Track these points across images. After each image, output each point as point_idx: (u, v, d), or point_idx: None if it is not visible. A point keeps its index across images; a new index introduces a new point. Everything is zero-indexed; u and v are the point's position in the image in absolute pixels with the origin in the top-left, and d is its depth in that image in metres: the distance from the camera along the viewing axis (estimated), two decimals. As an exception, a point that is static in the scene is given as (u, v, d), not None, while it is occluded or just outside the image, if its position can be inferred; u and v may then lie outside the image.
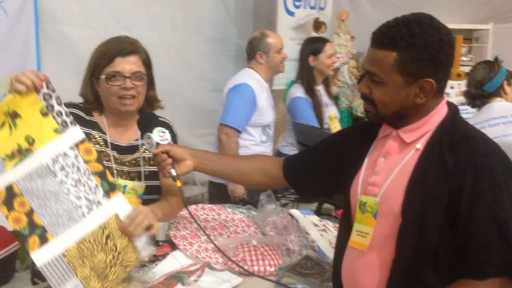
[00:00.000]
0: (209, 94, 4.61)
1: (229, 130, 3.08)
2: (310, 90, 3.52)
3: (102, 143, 1.89)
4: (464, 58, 5.07)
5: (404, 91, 1.39)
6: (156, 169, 1.84)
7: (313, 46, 3.59)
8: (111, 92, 1.82)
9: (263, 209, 2.22)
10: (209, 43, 4.60)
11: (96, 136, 1.88)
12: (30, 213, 1.54)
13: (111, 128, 1.92)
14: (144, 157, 1.94)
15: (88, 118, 1.90)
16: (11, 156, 1.56)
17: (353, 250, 1.53)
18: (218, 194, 3.15)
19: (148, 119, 1.86)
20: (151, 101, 1.97)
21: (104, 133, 1.90)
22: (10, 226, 1.59)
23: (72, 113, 1.85)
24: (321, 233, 2.08)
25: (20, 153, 1.57)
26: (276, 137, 4.19)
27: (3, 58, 3.31)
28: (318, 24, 4.52)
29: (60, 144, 1.60)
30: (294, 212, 2.20)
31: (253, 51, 3.30)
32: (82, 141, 1.63)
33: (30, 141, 1.57)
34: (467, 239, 1.32)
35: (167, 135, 1.76)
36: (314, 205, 2.47)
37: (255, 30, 5.09)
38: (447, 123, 1.42)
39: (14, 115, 1.57)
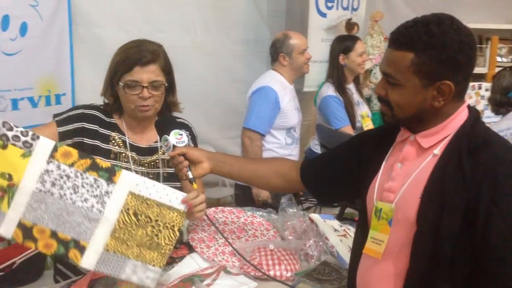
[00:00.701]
0: (242, 96, 4.57)
1: (252, 133, 3.07)
2: (340, 89, 3.48)
3: (122, 144, 1.91)
4: (504, 60, 4.91)
5: (421, 94, 1.34)
6: (175, 171, 1.85)
7: (343, 45, 3.55)
8: (129, 100, 1.84)
9: (283, 213, 2.19)
10: (241, 45, 4.59)
11: (115, 137, 1.90)
12: (54, 235, 1.54)
13: (130, 130, 1.94)
14: (163, 159, 1.95)
15: (108, 120, 1.92)
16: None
17: (368, 257, 1.49)
18: (244, 196, 3.14)
19: (166, 121, 1.86)
20: (170, 106, 1.97)
21: (123, 134, 1.92)
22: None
23: (91, 115, 1.89)
24: (341, 238, 2.04)
25: (6, 192, 1.51)
26: (308, 138, 4.16)
27: (38, 61, 3.40)
28: (350, 25, 4.45)
29: (36, 164, 1.53)
30: (314, 216, 2.16)
31: (276, 53, 3.27)
32: (55, 149, 1.55)
33: (7, 177, 1.51)
34: (484, 250, 1.26)
35: (184, 138, 1.76)
36: (338, 210, 2.42)
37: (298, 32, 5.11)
38: (467, 128, 1.36)
39: None
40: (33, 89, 3.41)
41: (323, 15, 4.55)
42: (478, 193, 1.26)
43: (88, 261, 1.55)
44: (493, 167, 1.26)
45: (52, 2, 3.40)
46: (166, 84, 1.87)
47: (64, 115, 1.89)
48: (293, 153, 3.22)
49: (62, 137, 1.85)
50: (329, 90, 3.50)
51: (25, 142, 1.52)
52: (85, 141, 1.86)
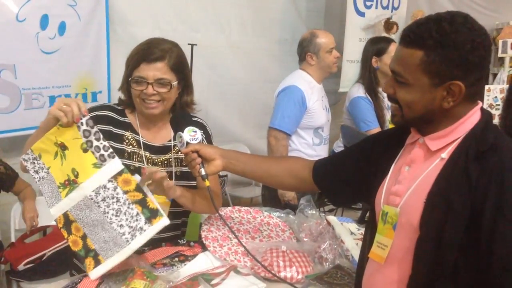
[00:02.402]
0: (275, 95, 4.61)
1: (277, 133, 3.04)
2: (372, 92, 3.41)
3: (135, 144, 1.93)
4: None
5: (430, 94, 1.29)
6: (188, 170, 1.86)
7: (376, 47, 3.47)
8: (135, 95, 1.87)
9: (301, 214, 2.16)
10: (278, 44, 4.59)
11: (129, 137, 1.93)
12: (84, 238, 1.71)
13: (144, 128, 1.96)
14: (176, 158, 1.96)
15: (122, 119, 1.95)
16: (64, 186, 1.71)
17: (373, 262, 1.45)
18: (270, 196, 3.13)
19: (181, 118, 1.87)
20: (183, 106, 1.98)
21: (137, 133, 1.95)
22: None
23: (104, 116, 1.92)
24: (357, 242, 1.99)
25: (69, 184, 1.70)
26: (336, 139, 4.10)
27: (76, 59, 3.51)
28: (389, 25, 4.37)
29: (100, 178, 1.69)
30: (332, 218, 2.12)
31: (303, 52, 3.21)
32: (120, 173, 1.69)
33: (75, 174, 1.70)
34: (489, 260, 1.20)
35: (198, 135, 1.77)
36: (360, 213, 2.37)
37: (326, 31, 5.05)
38: (477, 132, 1.30)
39: (63, 147, 1.69)
40: (71, 87, 3.52)
41: (361, 14, 4.49)
42: (483, 200, 1.20)
43: (95, 274, 1.69)
44: (500, 174, 1.20)
45: (90, 2, 3.51)
46: (174, 83, 1.87)
47: None
48: (321, 153, 3.17)
49: None
50: (359, 91, 3.44)
51: (101, 156, 1.69)
52: None
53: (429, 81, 1.28)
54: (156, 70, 1.83)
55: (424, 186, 1.32)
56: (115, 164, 1.70)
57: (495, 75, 5.10)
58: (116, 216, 1.69)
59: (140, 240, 1.67)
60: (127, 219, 1.69)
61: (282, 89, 3.16)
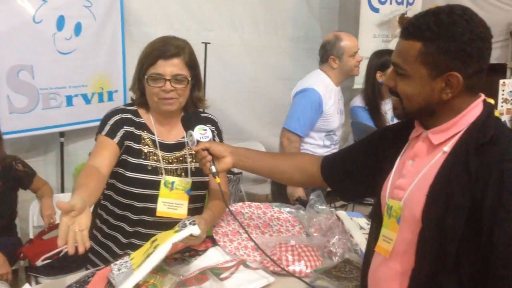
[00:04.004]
0: (290, 93, 4.62)
1: (291, 135, 3.05)
2: (373, 108, 3.34)
3: (151, 144, 1.97)
4: None
5: (428, 85, 1.30)
6: (199, 166, 1.90)
7: (380, 60, 3.33)
8: (152, 92, 1.90)
9: (311, 209, 2.18)
10: (291, 42, 4.61)
11: (145, 137, 1.97)
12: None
13: (159, 126, 2.00)
14: (190, 154, 2.00)
15: (137, 120, 1.98)
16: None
17: (378, 255, 1.47)
18: (278, 192, 3.14)
19: (191, 117, 1.91)
20: (195, 101, 2.02)
21: (152, 133, 1.98)
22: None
23: (127, 119, 1.96)
24: (366, 236, 2.00)
25: (147, 256, 1.66)
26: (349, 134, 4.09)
27: (92, 60, 3.58)
28: (404, 20, 4.33)
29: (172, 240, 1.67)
30: (341, 213, 2.14)
31: (326, 55, 3.16)
32: (187, 237, 1.69)
33: (155, 246, 1.68)
34: (490, 252, 1.20)
35: (208, 133, 1.80)
36: (371, 208, 2.37)
37: (340, 28, 5.03)
38: (478, 125, 1.30)
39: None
40: (87, 87, 3.60)
41: (376, 10, 4.47)
42: (483, 192, 1.20)
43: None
44: (499, 165, 1.20)
45: (105, 3, 3.57)
46: (189, 79, 1.91)
47: (108, 126, 1.93)
48: None
49: (121, 145, 1.92)
50: (357, 101, 3.42)
51: (183, 225, 1.71)
52: (126, 144, 1.94)
53: (427, 72, 1.29)
54: (173, 66, 1.86)
55: (427, 180, 1.33)
56: (190, 229, 1.69)
57: (512, 70, 5.05)
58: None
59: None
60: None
61: (300, 90, 3.13)
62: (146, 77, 1.88)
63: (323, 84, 3.13)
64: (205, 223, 1.78)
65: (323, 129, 3.13)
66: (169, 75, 1.86)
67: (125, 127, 1.94)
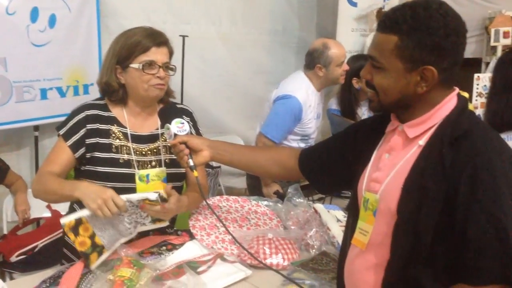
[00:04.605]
0: (269, 87, 4.58)
1: (267, 141, 3.02)
2: (350, 115, 3.31)
3: (122, 137, 1.94)
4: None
5: (404, 78, 1.31)
6: (177, 159, 1.88)
7: (356, 65, 3.23)
8: (144, 80, 1.88)
9: (288, 203, 2.19)
10: (269, 36, 4.60)
11: (115, 131, 1.94)
12: (92, 236, 1.73)
13: (132, 118, 1.98)
14: (164, 146, 1.99)
15: (106, 114, 1.95)
16: None
17: (354, 248, 1.48)
18: (253, 186, 3.14)
19: (168, 110, 1.90)
20: (169, 92, 2.02)
21: (123, 126, 1.96)
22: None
23: (93, 115, 1.93)
24: (343, 229, 2.00)
25: None
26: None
27: (67, 52, 3.50)
28: (381, 14, 4.36)
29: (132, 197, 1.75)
30: (318, 206, 2.15)
31: (313, 62, 3.09)
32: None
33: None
34: (463, 244, 1.22)
35: (186, 126, 1.79)
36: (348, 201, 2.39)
37: (319, 22, 5.05)
38: (452, 118, 1.32)
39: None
40: (62, 79, 3.52)
41: (354, 4, 4.49)
42: (457, 184, 1.22)
43: (95, 264, 1.74)
44: (472, 158, 1.22)
45: (80, -6, 3.49)
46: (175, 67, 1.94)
47: (67, 126, 1.92)
48: None
49: (76, 148, 1.90)
50: (333, 104, 3.43)
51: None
52: (89, 142, 1.91)
53: (403, 66, 1.30)
54: (163, 54, 1.90)
55: (402, 173, 1.33)
56: (150, 194, 1.74)
57: (487, 64, 5.11)
58: (129, 216, 1.80)
59: (140, 229, 1.86)
60: (136, 219, 1.82)
61: (281, 97, 3.06)
62: (136, 65, 1.86)
63: (305, 91, 3.08)
64: (177, 198, 1.81)
65: (299, 134, 3.11)
66: (161, 62, 1.88)
67: (87, 125, 1.91)
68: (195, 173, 1.76)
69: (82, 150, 1.90)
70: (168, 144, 1.98)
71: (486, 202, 1.19)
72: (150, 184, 1.95)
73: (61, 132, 1.92)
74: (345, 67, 3.12)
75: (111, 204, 1.67)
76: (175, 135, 1.78)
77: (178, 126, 1.78)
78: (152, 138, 1.99)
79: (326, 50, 3.07)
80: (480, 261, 1.20)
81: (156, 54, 1.87)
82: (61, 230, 2.21)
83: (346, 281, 1.51)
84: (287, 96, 3.03)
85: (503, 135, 2.09)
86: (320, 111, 3.26)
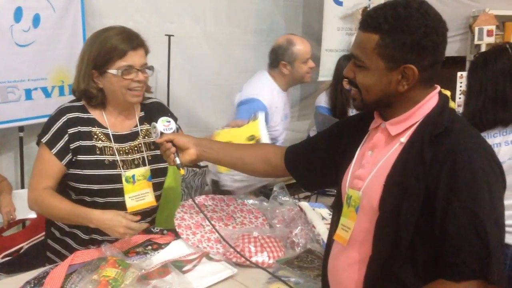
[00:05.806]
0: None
1: None
2: (342, 115, 3.28)
3: (104, 138, 1.94)
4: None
5: (385, 77, 1.33)
6: (159, 154, 1.92)
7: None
8: (123, 85, 1.86)
9: (274, 201, 2.20)
10: (254, 35, 4.57)
11: (97, 132, 1.94)
12: None
13: (111, 118, 1.97)
14: (145, 143, 1.99)
15: (85, 116, 1.94)
16: None
17: (337, 244, 1.50)
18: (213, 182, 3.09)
19: (153, 108, 1.93)
20: (147, 89, 2.01)
21: (104, 127, 1.95)
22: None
23: (74, 118, 1.91)
24: (328, 226, 2.02)
25: None
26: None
27: (51, 52, 3.47)
28: (366, 13, 4.38)
29: None
30: (303, 204, 2.16)
31: (277, 60, 3.01)
32: None
33: None
34: (442, 239, 1.24)
35: (172, 125, 1.81)
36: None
37: (304, 21, 5.05)
38: (433, 116, 1.34)
39: None
40: (47, 79, 3.49)
41: (339, 3, 4.50)
42: (437, 181, 1.24)
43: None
44: (452, 154, 1.24)
45: (64, -6, 3.47)
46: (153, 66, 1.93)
47: (50, 134, 1.89)
48: None
49: (62, 156, 1.88)
50: (322, 100, 3.40)
51: None
52: (73, 146, 1.90)
53: (384, 64, 1.32)
54: (141, 57, 1.88)
55: (384, 170, 1.35)
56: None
57: (471, 62, 5.17)
58: None
59: None
60: None
61: (245, 100, 2.92)
62: (114, 71, 1.84)
63: (269, 92, 2.96)
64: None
65: None
66: (138, 65, 1.87)
67: (69, 130, 1.89)
68: (182, 171, 1.79)
69: (68, 156, 1.89)
70: (149, 141, 1.99)
71: (465, 198, 1.21)
72: (137, 185, 1.96)
73: (44, 140, 1.89)
74: (311, 64, 3.04)
75: (133, 225, 1.77)
76: (162, 133, 1.79)
77: (165, 125, 1.81)
78: (133, 135, 2.00)
79: (290, 46, 2.98)
80: (459, 257, 1.22)
81: (134, 58, 1.85)
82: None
83: (330, 278, 1.52)
84: (251, 99, 2.88)
85: (484, 134, 2.11)
86: (287, 111, 3.15)
